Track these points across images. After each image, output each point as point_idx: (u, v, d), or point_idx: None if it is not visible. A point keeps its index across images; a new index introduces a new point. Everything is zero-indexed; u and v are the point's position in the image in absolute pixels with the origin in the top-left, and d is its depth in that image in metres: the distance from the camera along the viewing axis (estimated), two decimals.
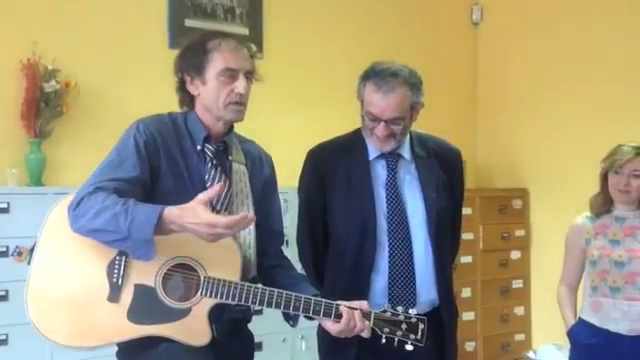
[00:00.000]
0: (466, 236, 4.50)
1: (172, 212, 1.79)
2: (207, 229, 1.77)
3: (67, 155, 3.63)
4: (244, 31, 4.21)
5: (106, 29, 3.82)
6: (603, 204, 2.95)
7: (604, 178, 2.94)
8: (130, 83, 3.81)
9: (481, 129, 5.29)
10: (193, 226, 1.78)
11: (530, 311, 4.91)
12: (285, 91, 4.22)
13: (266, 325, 2.60)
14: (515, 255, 4.84)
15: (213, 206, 1.97)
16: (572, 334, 2.98)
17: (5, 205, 3.16)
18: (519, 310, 4.86)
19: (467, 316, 4.58)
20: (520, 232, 4.87)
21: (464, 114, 5.24)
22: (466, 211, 4.45)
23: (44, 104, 3.50)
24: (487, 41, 5.27)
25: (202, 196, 1.82)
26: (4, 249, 3.14)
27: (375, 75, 2.26)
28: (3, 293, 3.11)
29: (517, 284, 4.85)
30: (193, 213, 1.78)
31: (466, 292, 4.60)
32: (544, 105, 4.80)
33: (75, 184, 1.95)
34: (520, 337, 4.86)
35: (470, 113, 5.30)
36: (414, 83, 2.28)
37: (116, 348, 1.99)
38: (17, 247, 3.12)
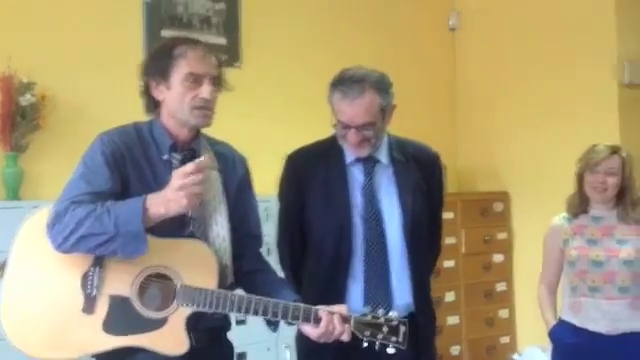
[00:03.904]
0: (448, 240, 4.51)
1: (155, 195, 1.85)
2: (180, 180, 1.82)
3: (44, 169, 3.60)
4: (221, 41, 4.21)
5: (82, 41, 3.81)
6: (579, 204, 2.96)
7: (580, 178, 2.96)
8: (106, 94, 3.79)
9: (461, 133, 5.32)
10: (172, 195, 1.82)
11: (514, 313, 4.92)
12: (264, 99, 4.22)
13: (250, 334, 2.58)
14: (498, 258, 4.85)
15: (185, 214, 1.95)
16: (553, 335, 2.98)
17: None
18: (503, 313, 4.87)
19: (452, 320, 4.58)
20: (502, 235, 4.88)
21: (444, 119, 5.26)
22: (448, 215, 4.49)
23: (20, 118, 3.48)
24: (464, 46, 5.30)
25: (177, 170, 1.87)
26: None
27: (342, 82, 2.26)
28: None
29: (501, 287, 4.86)
30: (170, 186, 1.84)
31: (450, 296, 4.59)
32: (523, 108, 4.83)
33: (53, 198, 1.94)
34: (505, 340, 4.86)
35: (450, 118, 5.33)
36: (381, 87, 2.27)
37: None
38: None
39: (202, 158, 1.88)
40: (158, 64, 2.00)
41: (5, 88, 3.46)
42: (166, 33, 4.04)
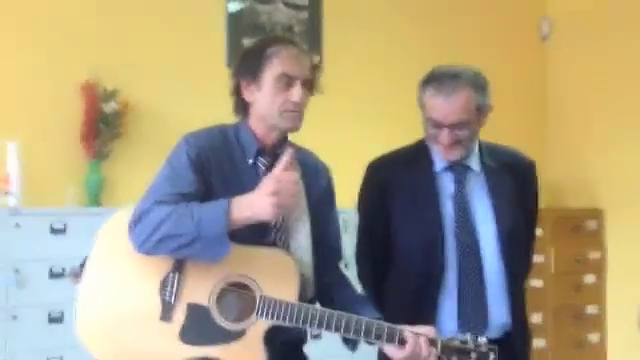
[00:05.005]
0: (536, 258, 4.23)
1: (241, 198, 1.76)
2: (273, 185, 1.72)
3: (125, 176, 3.61)
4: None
5: (165, 49, 3.82)
6: None
7: None
8: (188, 103, 3.78)
9: (552, 146, 5.06)
10: (259, 200, 1.73)
11: (606, 339, 4.64)
12: (345, 104, 4.12)
13: (324, 349, 2.47)
14: (589, 279, 4.59)
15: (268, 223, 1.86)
16: None
17: (62, 226, 3.14)
18: (594, 337, 4.60)
19: (538, 343, 4.33)
20: (595, 255, 4.62)
21: (534, 130, 5.04)
22: (537, 231, 4.26)
23: (103, 125, 3.50)
24: (557, 55, 5.07)
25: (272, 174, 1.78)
26: (60, 270, 3.10)
27: (435, 79, 2.12)
28: (58, 314, 3.07)
29: (592, 310, 4.60)
30: (259, 189, 1.75)
31: (537, 318, 4.35)
32: (619, 120, 4.57)
33: (132, 205, 1.89)
34: None
35: (540, 129, 5.10)
36: (478, 84, 2.12)
37: None
38: (73, 268, 3.12)
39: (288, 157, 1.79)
40: (250, 63, 1.92)
41: (89, 96, 3.49)
42: (248, 42, 4.01)
